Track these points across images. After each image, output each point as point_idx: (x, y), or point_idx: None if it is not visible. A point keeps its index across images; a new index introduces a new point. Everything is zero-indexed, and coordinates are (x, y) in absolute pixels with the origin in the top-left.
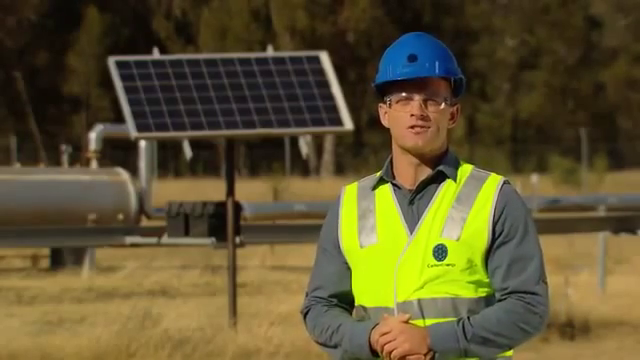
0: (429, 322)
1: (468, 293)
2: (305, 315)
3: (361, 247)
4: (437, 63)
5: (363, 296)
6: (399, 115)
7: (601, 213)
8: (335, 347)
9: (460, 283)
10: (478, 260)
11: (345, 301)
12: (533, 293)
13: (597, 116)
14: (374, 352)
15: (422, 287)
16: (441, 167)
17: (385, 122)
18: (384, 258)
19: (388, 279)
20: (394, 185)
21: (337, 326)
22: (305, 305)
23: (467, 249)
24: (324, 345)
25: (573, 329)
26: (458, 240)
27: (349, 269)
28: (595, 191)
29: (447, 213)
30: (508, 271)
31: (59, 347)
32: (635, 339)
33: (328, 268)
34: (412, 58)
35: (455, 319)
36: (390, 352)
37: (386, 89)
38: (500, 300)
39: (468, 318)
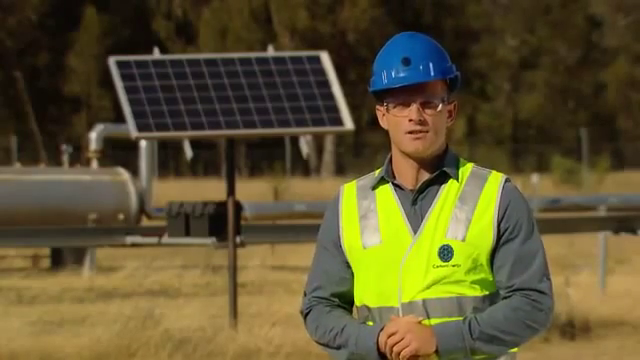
0: (435, 322)
1: (473, 292)
2: (306, 315)
3: (364, 248)
4: (431, 65)
5: (366, 296)
6: (397, 120)
7: (602, 213)
8: (338, 348)
9: (465, 283)
10: (483, 260)
11: (346, 300)
12: (538, 290)
13: (598, 116)
14: (382, 355)
15: (428, 288)
16: (445, 168)
17: (384, 124)
18: (388, 258)
19: (392, 279)
20: (395, 185)
21: (341, 327)
22: (306, 305)
23: (473, 249)
24: (326, 346)
25: (574, 329)
26: (464, 240)
27: (349, 268)
28: (596, 191)
29: (451, 213)
30: (513, 269)
31: (59, 347)
32: (636, 339)
33: (329, 267)
34: (406, 62)
35: (461, 318)
36: (399, 352)
37: (383, 92)
38: (505, 297)
39: (475, 317)
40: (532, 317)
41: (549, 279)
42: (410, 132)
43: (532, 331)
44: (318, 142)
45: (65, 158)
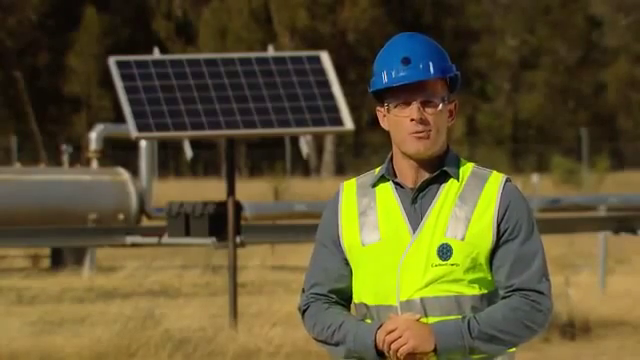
0: (432, 320)
1: (471, 291)
2: (304, 312)
3: (363, 245)
4: (431, 64)
5: (364, 294)
6: (398, 120)
7: (602, 213)
8: (336, 345)
9: (463, 282)
10: (482, 259)
11: (344, 297)
12: (537, 291)
13: (598, 116)
14: (380, 352)
15: (426, 286)
16: (445, 168)
17: (384, 125)
18: (387, 256)
19: (391, 277)
20: (395, 183)
21: (339, 324)
22: (304, 302)
23: (472, 249)
24: (324, 342)
25: (574, 329)
26: (463, 240)
27: (348, 265)
28: (596, 191)
29: (451, 212)
30: (512, 269)
31: (59, 347)
32: (636, 339)
33: (328, 264)
34: (406, 61)
35: (460, 316)
36: (397, 350)
37: (383, 93)
38: (504, 297)
39: (474, 316)
40: (531, 317)
41: (548, 280)
42: (412, 133)
43: (530, 331)
44: (318, 142)
45: (65, 158)
